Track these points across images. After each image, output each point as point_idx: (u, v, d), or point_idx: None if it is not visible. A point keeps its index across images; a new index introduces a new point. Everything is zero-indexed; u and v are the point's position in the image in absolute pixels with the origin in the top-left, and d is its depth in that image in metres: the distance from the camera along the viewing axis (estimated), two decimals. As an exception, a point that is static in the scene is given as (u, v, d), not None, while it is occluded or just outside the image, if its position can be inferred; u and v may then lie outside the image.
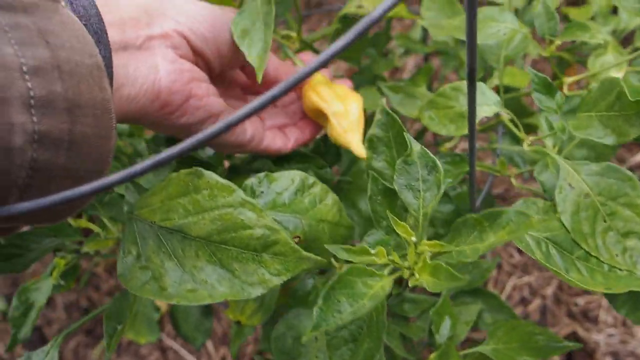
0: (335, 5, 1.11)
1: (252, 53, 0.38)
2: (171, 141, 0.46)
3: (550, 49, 0.44)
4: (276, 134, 0.45)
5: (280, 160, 0.45)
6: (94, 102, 0.28)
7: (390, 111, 0.36)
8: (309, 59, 0.49)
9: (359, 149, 0.41)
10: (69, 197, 0.20)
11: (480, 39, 0.43)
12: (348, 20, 0.58)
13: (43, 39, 0.27)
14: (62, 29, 0.28)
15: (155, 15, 0.37)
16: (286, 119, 0.46)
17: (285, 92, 0.19)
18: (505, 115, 0.43)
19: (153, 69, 0.36)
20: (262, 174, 0.36)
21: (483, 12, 0.45)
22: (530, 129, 0.59)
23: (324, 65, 0.20)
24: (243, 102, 0.46)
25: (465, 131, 0.39)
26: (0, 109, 0.23)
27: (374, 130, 0.37)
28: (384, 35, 0.61)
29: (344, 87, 0.45)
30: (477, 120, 0.39)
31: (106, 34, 0.33)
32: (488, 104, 0.39)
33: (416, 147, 0.32)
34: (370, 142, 0.37)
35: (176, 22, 0.38)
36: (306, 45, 0.54)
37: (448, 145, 0.54)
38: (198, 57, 0.40)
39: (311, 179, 0.37)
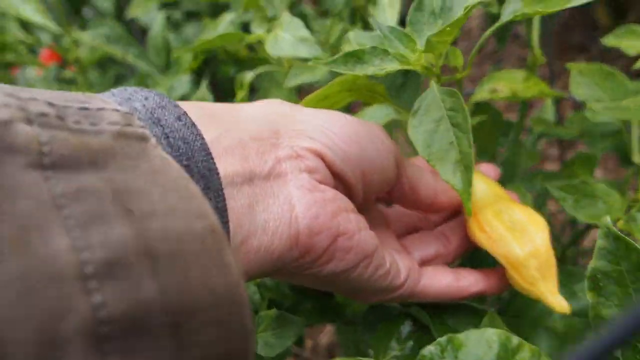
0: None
1: (446, 174, 0.29)
2: (297, 288, 0.36)
3: None
4: (440, 270, 0.34)
5: (438, 309, 0.34)
6: (214, 299, 0.18)
7: (621, 234, 0.25)
8: None
9: (558, 303, 0.30)
10: None
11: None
12: (483, 108, 0.48)
13: (122, 205, 0.17)
14: (152, 182, 0.19)
15: (282, 132, 0.29)
16: (439, 245, 0.36)
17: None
18: None
19: (287, 205, 0.27)
20: (443, 339, 0.26)
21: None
22: None
23: None
24: (383, 227, 0.36)
25: None
26: None
27: (596, 262, 0.26)
28: (521, 121, 0.51)
29: (519, 207, 0.34)
30: None
31: (217, 173, 0.24)
32: None
33: None
34: (593, 280, 0.26)
35: (309, 138, 0.29)
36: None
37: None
38: (338, 181, 0.30)
39: (514, 340, 0.25)
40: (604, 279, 0.26)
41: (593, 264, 0.26)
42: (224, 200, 0.25)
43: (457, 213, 0.38)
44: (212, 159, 0.24)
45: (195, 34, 0.75)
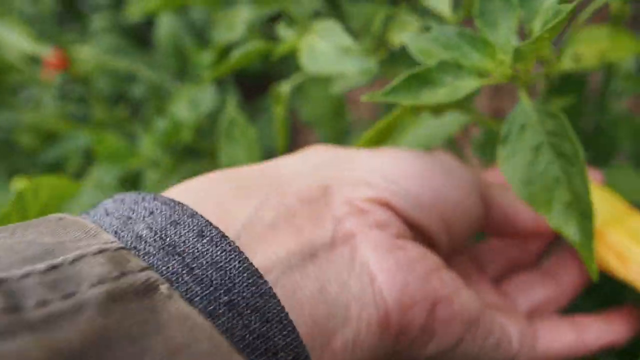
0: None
1: (556, 221, 0.23)
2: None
3: None
4: (557, 325, 0.27)
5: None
6: None
7: None
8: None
9: None
10: None
11: None
12: (569, 82, 0.41)
13: None
14: None
15: (334, 185, 0.23)
16: (547, 286, 0.29)
17: None
18: None
19: (366, 276, 0.21)
20: None
21: None
22: None
23: None
24: (476, 276, 0.29)
25: None
26: None
27: None
28: (607, 82, 0.43)
29: None
30: None
31: (274, 297, 0.19)
32: None
33: None
34: None
35: (369, 186, 0.23)
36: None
37: None
38: (416, 233, 0.24)
39: None
40: None
41: None
42: (291, 327, 0.19)
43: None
44: (262, 278, 0.18)
45: (202, 20, 0.68)
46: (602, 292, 0.33)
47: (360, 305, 0.21)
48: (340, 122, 0.45)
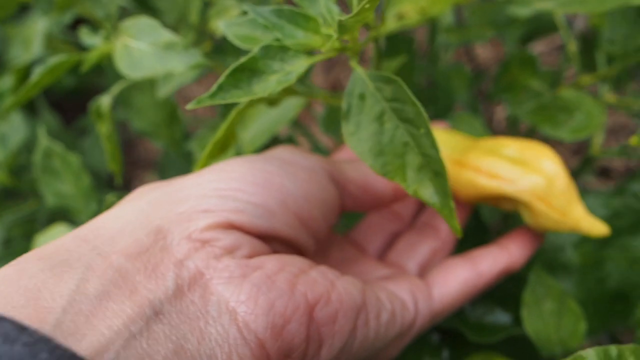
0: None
1: (412, 186, 0.22)
2: None
3: None
4: (449, 266, 0.27)
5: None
6: None
7: None
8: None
9: (596, 227, 0.27)
10: None
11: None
12: (397, 43, 0.40)
13: None
14: None
15: (165, 225, 0.21)
16: (429, 239, 0.29)
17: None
18: None
19: (226, 314, 0.19)
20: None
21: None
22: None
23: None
24: (356, 257, 0.28)
25: None
26: None
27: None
28: (433, 37, 0.44)
29: (507, 139, 0.28)
30: None
31: None
32: None
33: None
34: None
35: (204, 212, 0.21)
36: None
37: None
38: (273, 243, 0.23)
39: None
40: None
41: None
42: None
43: None
44: None
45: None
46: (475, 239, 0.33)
47: (227, 349, 0.19)
48: (176, 127, 0.41)
